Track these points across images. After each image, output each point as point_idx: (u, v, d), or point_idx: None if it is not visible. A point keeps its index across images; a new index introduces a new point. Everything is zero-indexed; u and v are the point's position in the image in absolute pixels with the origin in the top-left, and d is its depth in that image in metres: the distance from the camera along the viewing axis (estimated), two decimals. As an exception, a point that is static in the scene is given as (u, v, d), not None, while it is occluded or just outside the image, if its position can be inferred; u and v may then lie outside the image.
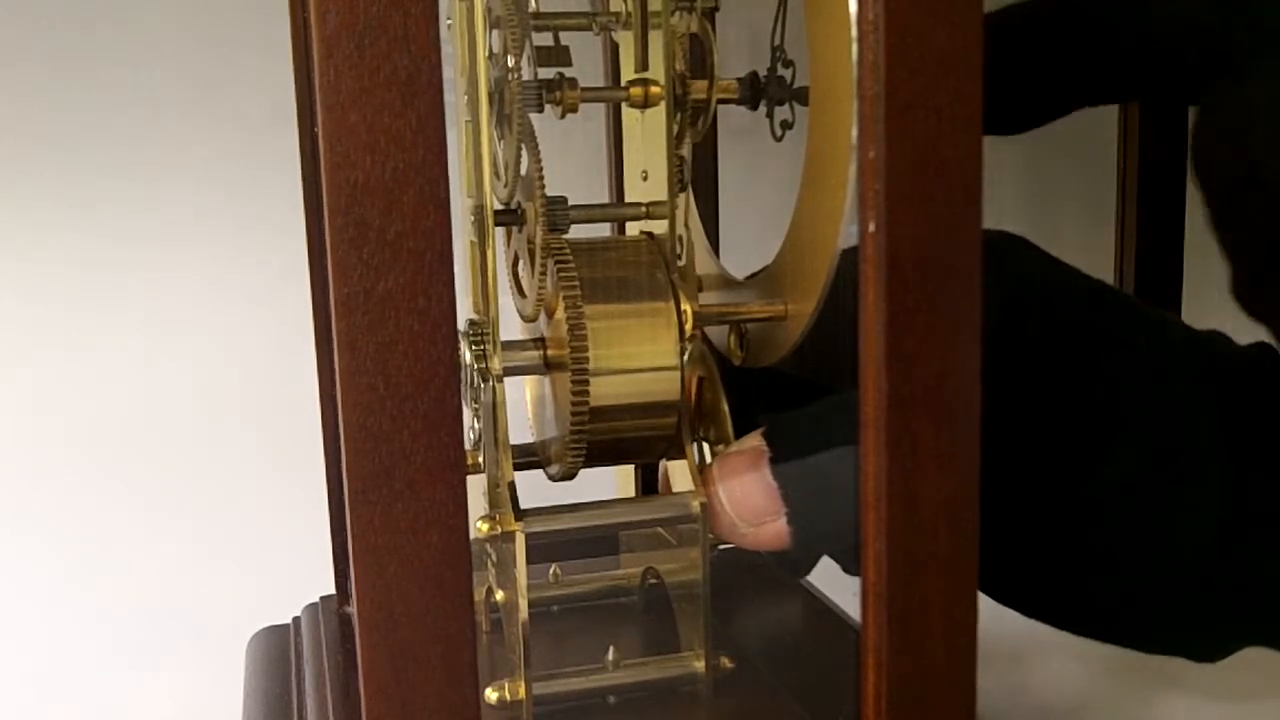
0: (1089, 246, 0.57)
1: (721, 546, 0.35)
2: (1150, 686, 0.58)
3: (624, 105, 0.38)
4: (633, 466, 0.43)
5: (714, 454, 0.35)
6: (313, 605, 0.48)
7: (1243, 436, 0.30)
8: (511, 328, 0.37)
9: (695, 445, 0.36)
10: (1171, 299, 0.56)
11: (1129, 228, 0.57)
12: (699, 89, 0.37)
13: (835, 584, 0.39)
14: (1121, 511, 0.31)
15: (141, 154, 0.62)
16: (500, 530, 0.34)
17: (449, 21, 0.35)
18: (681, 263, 0.37)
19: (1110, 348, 0.31)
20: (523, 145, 0.34)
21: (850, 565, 0.34)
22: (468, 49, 0.34)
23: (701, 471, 0.35)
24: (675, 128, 0.37)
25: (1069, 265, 0.33)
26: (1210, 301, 0.35)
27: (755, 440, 0.33)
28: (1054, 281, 0.33)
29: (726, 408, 0.35)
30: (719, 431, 0.35)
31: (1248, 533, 0.30)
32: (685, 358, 0.35)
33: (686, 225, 0.38)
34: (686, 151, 0.38)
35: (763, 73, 0.37)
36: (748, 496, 0.33)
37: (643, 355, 0.35)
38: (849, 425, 0.27)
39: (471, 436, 0.37)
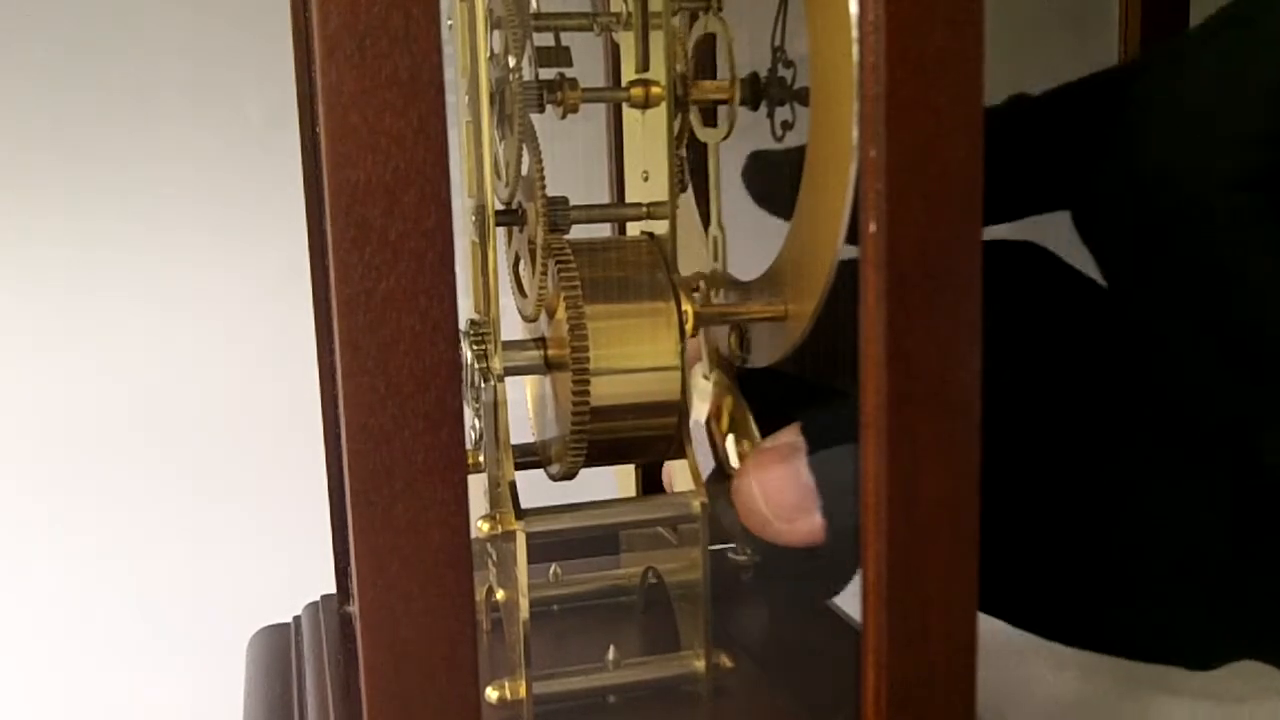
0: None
1: (714, 547, 0.35)
2: (1149, 686, 0.58)
3: (625, 106, 0.39)
4: (633, 466, 0.43)
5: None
6: (313, 605, 0.48)
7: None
8: (512, 328, 0.37)
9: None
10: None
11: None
12: (707, 89, 0.37)
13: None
14: (1119, 518, 0.31)
15: (142, 154, 0.62)
16: (501, 530, 0.34)
17: (450, 22, 0.35)
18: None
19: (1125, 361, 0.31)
20: (524, 145, 0.34)
21: None
22: (469, 49, 0.34)
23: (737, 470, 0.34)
24: (676, 128, 0.37)
25: (1089, 277, 0.33)
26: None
27: (791, 435, 0.33)
28: (1074, 294, 0.33)
29: (754, 426, 0.35)
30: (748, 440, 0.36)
31: (1250, 541, 0.30)
32: (713, 374, 0.34)
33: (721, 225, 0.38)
34: (686, 151, 0.38)
35: (763, 73, 0.37)
36: (782, 491, 0.32)
37: (643, 355, 0.35)
38: None
39: (472, 436, 0.37)
